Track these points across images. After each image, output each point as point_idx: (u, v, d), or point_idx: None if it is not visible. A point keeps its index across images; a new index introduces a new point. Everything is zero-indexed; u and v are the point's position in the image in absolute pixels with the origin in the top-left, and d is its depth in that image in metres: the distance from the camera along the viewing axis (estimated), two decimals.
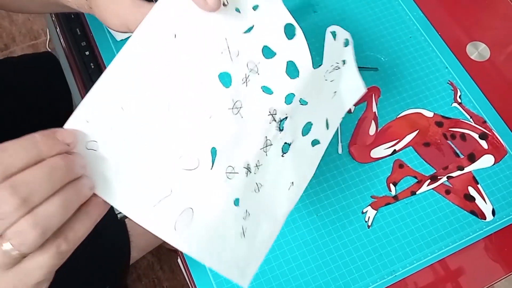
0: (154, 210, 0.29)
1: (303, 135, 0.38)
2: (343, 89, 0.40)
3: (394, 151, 0.53)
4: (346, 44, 0.40)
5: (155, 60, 0.31)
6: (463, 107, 0.56)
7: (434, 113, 0.55)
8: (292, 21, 0.36)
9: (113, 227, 0.57)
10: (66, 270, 0.52)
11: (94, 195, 0.28)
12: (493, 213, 0.51)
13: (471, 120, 0.55)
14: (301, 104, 0.37)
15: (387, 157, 0.53)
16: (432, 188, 0.51)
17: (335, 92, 0.40)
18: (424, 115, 0.55)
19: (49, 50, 1.20)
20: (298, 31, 0.36)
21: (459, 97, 0.57)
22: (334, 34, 0.40)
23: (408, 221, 0.50)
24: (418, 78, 0.57)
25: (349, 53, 0.41)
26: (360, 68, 0.57)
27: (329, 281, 0.46)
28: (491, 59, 0.59)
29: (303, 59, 0.36)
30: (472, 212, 0.51)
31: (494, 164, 0.53)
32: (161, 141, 0.30)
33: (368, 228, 0.49)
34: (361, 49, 0.59)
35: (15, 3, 0.45)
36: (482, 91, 0.57)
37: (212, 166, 0.32)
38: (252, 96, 0.34)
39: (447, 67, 0.58)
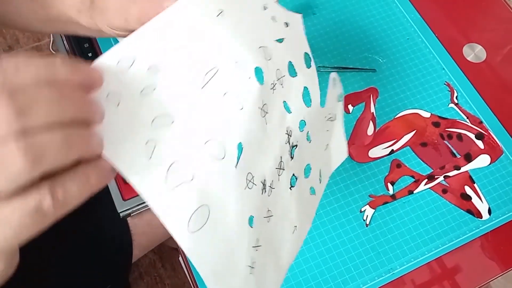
0: (170, 194, 0.25)
1: (305, 176, 0.35)
2: (332, 146, 0.38)
3: (392, 151, 0.54)
4: (339, 99, 0.39)
5: (198, 29, 0.28)
6: (459, 108, 0.57)
7: (431, 114, 0.56)
8: (309, 52, 0.35)
9: (115, 226, 0.58)
10: (69, 267, 0.53)
11: (101, 158, 0.23)
12: (489, 212, 0.51)
13: (467, 120, 0.56)
14: (307, 140, 0.35)
15: (385, 157, 0.54)
16: (429, 187, 0.52)
17: (327, 144, 0.38)
18: (421, 116, 0.56)
19: (53, 51, 1.21)
20: (313, 64, 0.35)
21: (456, 97, 0.57)
22: (334, 81, 0.38)
23: (406, 220, 0.50)
24: (415, 79, 0.58)
25: (340, 110, 0.39)
26: (359, 70, 0.59)
27: (327, 279, 0.47)
28: (487, 61, 0.60)
29: (315, 91, 0.35)
30: (469, 211, 0.51)
31: (490, 163, 0.54)
32: (189, 118, 0.27)
33: (366, 226, 0.50)
34: (359, 51, 0.60)
35: (20, 17, 0.44)
36: (478, 92, 0.58)
37: (236, 164, 0.28)
38: (275, 106, 0.32)
39: (444, 68, 0.59)
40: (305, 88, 0.34)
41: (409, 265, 0.48)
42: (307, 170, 0.35)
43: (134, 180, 0.24)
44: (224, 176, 0.28)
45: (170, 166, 0.25)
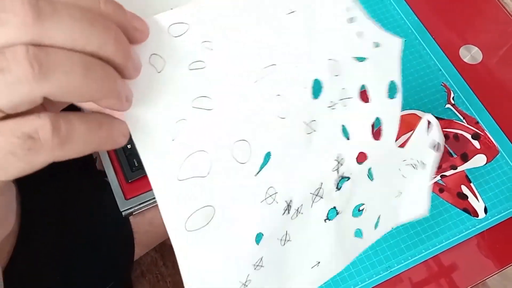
0: (179, 184, 0.23)
1: (352, 215, 0.32)
2: (407, 196, 0.34)
3: None
4: (437, 149, 0.33)
5: (265, 20, 0.26)
6: (456, 108, 0.58)
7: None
8: (398, 81, 0.30)
9: (117, 225, 0.58)
10: (71, 265, 0.54)
11: (119, 119, 0.20)
12: (485, 210, 0.52)
13: (464, 120, 0.57)
14: (368, 177, 0.31)
15: None
16: None
17: (400, 192, 0.34)
18: (418, 116, 0.57)
19: None
20: (398, 96, 0.30)
21: (453, 98, 0.58)
22: (431, 126, 0.34)
23: None
24: (413, 80, 0.59)
25: (432, 162, 0.33)
26: None
27: None
28: (483, 62, 0.61)
29: (391, 127, 0.31)
30: (465, 210, 0.52)
31: (486, 163, 0.54)
32: (231, 109, 0.24)
33: None
34: None
35: None
36: (474, 93, 0.59)
37: (257, 173, 0.26)
38: (329, 127, 0.28)
39: (440, 70, 0.60)
40: (377, 119, 0.30)
41: (407, 263, 0.49)
42: (357, 209, 0.32)
43: (145, 158, 0.22)
44: (240, 181, 0.25)
45: (191, 154, 0.23)
